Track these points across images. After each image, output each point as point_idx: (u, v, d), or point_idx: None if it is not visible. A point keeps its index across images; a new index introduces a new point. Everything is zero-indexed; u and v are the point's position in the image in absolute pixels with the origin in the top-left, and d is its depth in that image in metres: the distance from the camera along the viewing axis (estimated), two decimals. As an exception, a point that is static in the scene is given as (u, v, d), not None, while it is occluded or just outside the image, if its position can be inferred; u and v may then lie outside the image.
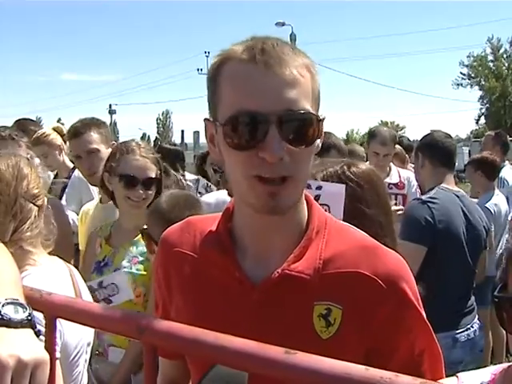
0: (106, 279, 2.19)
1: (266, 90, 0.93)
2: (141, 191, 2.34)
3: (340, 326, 1.00)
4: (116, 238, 2.41)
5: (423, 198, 2.86)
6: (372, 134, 4.06)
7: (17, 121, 4.07)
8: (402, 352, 1.04)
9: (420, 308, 1.06)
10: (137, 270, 2.26)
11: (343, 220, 1.40)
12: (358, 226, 1.39)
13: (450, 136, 3.15)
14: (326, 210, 1.42)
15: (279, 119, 0.93)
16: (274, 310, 1.02)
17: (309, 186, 1.51)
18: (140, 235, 2.28)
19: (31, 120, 4.41)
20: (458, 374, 1.10)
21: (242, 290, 1.03)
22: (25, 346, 0.86)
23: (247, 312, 1.02)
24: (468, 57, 44.97)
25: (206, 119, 1.05)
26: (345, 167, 1.56)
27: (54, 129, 3.80)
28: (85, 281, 1.73)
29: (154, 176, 2.38)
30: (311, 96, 0.98)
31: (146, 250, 2.25)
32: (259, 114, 0.93)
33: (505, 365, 1.12)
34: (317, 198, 1.47)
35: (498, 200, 4.55)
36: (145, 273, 2.25)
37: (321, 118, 0.99)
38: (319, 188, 1.49)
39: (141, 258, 2.29)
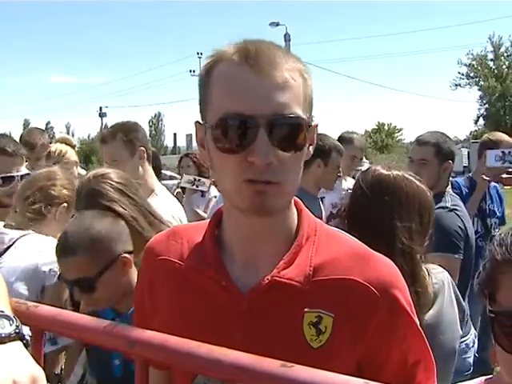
0: None
1: (255, 93, 0.91)
2: None
3: (331, 334, 0.98)
4: None
5: (448, 205, 2.74)
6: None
7: (28, 130, 3.98)
8: (395, 361, 1.02)
9: (413, 316, 1.04)
10: None
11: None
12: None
13: (447, 136, 3.03)
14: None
15: (269, 123, 0.91)
16: (263, 318, 1.00)
17: None
18: None
19: (39, 128, 4.27)
20: None
21: (230, 298, 1.01)
22: (18, 364, 0.82)
23: (236, 320, 1.00)
24: (467, 54, 44.66)
25: (196, 122, 1.03)
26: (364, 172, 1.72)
27: (65, 142, 3.72)
28: None
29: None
30: (302, 101, 0.96)
31: None
32: (248, 117, 0.91)
33: (482, 378, 1.11)
34: None
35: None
36: None
37: (312, 123, 0.97)
38: None
39: None
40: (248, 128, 0.91)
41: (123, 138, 2.77)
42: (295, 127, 0.94)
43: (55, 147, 3.72)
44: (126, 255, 1.66)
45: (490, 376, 1.10)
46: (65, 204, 2.29)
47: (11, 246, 2.14)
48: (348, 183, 3.91)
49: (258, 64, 0.92)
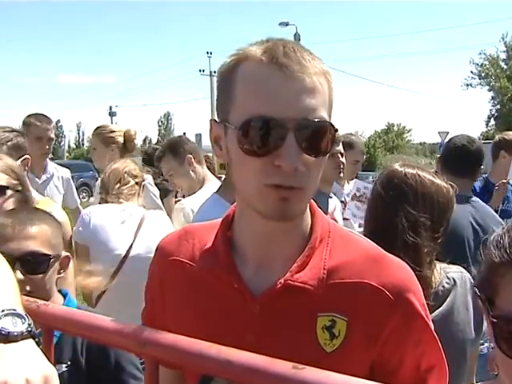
0: None
1: (285, 96, 0.90)
2: None
3: (345, 338, 0.97)
4: None
5: None
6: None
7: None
8: (408, 366, 1.00)
9: (428, 320, 1.02)
10: None
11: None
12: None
13: (472, 140, 2.96)
14: None
15: (297, 127, 0.90)
16: (276, 321, 0.98)
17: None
18: None
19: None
20: None
21: (242, 300, 1.00)
22: (30, 363, 0.82)
23: (248, 323, 0.99)
24: (480, 54, 44.14)
25: (212, 120, 1.02)
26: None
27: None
28: None
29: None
30: (328, 105, 0.96)
31: None
32: (277, 120, 0.89)
33: (481, 383, 1.09)
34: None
35: None
36: None
37: (336, 127, 0.97)
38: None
39: None
40: (276, 131, 0.90)
41: (171, 154, 3.36)
42: (322, 132, 0.93)
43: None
44: (68, 256, 1.54)
45: (491, 380, 1.08)
46: (141, 179, 3.02)
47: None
48: (350, 186, 3.88)
49: (287, 66, 0.91)
